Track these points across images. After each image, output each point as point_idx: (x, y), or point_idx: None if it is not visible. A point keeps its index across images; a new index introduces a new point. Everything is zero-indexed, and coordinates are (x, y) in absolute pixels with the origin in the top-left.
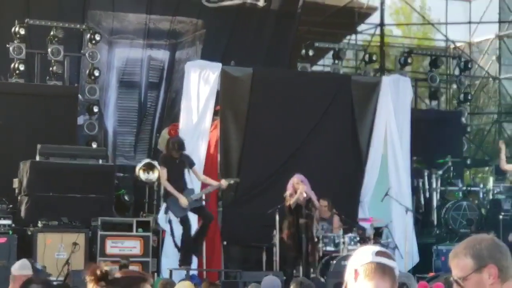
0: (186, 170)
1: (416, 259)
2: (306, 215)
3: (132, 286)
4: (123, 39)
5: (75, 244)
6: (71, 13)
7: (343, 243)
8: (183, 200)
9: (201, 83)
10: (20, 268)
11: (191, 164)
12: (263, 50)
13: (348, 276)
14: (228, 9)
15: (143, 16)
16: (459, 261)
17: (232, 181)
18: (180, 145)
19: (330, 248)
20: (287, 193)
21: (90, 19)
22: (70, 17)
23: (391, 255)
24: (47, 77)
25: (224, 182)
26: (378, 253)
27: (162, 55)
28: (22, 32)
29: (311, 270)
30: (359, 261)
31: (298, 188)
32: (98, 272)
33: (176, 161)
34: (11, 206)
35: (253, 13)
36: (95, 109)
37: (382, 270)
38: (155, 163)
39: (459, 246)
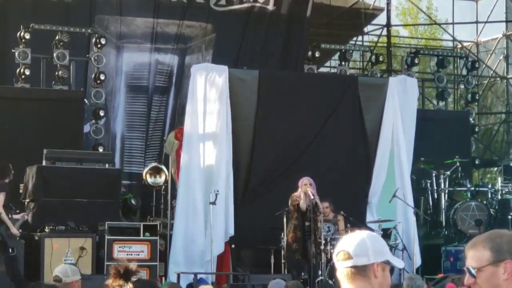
0: None
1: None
2: (311, 218)
3: None
4: (131, 43)
5: (82, 248)
6: (78, 18)
7: None
8: (15, 230)
9: (207, 86)
10: (73, 274)
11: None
12: (274, 55)
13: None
14: (238, 14)
15: (150, 20)
16: (476, 252)
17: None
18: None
19: None
20: (296, 193)
21: (98, 24)
22: (78, 22)
23: (347, 252)
24: (53, 82)
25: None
26: (337, 257)
27: (169, 59)
28: (28, 36)
29: (319, 272)
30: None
31: (306, 190)
32: (121, 269)
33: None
34: (18, 211)
35: (263, 17)
36: (101, 113)
37: (346, 276)
38: (162, 166)
39: (478, 237)
